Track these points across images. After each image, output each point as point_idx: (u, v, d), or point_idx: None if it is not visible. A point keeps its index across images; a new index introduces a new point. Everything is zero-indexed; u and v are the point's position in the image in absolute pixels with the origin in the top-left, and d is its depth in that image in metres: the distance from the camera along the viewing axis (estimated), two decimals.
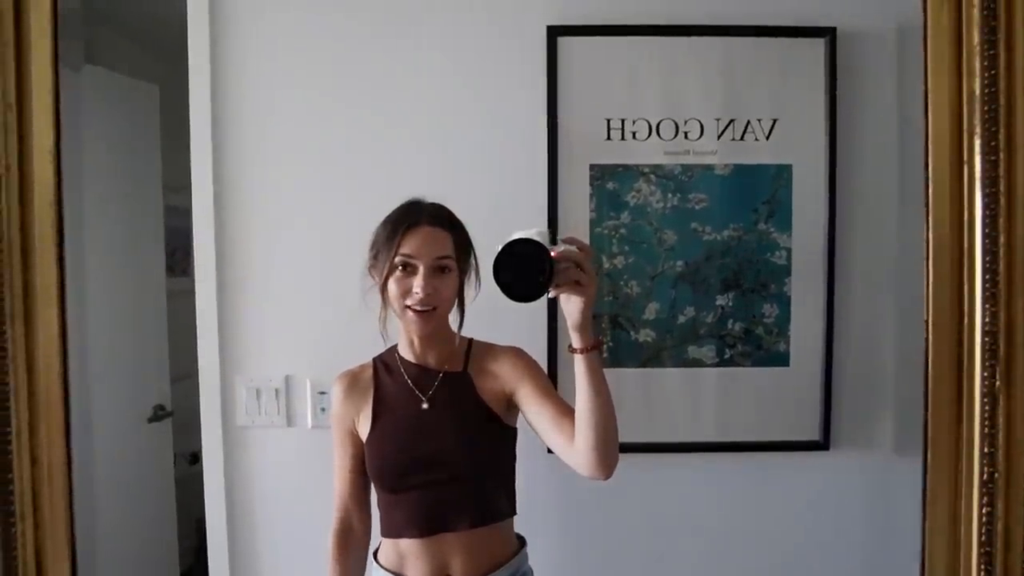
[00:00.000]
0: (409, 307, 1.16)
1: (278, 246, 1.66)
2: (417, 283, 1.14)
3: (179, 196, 1.74)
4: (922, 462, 0.89)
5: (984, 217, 0.77)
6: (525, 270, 0.92)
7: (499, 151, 1.64)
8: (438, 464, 1.18)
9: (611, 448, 1.06)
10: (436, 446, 1.19)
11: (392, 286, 1.16)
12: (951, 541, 0.87)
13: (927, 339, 0.87)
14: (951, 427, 0.86)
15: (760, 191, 1.64)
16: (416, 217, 1.18)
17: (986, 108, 0.75)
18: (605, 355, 1.61)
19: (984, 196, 0.77)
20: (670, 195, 1.63)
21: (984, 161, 0.76)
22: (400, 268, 1.16)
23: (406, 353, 1.26)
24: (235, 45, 1.63)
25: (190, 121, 1.63)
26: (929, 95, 0.81)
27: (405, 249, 1.15)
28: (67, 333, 0.82)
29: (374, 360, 1.31)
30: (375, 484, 1.25)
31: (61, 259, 0.82)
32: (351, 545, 1.31)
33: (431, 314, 1.17)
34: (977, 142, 0.77)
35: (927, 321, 0.87)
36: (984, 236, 0.79)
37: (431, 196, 1.26)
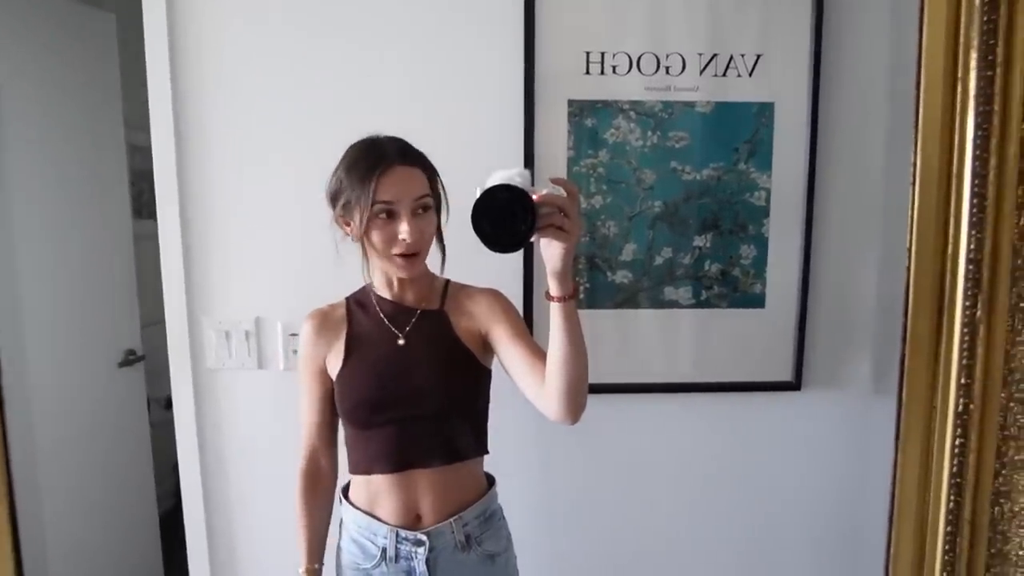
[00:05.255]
0: (396, 254, 1.13)
1: (245, 183, 1.59)
2: (403, 229, 1.10)
3: (143, 134, 1.66)
4: (897, 396, 0.87)
5: (975, 138, 0.72)
6: (505, 219, 0.86)
7: (473, 84, 1.57)
8: (412, 400, 1.17)
9: (580, 396, 1.05)
10: (411, 382, 1.17)
11: (376, 235, 1.11)
12: (923, 473, 0.87)
13: (908, 267, 0.84)
14: (929, 361, 0.85)
15: (742, 130, 1.60)
16: (387, 159, 1.11)
17: (985, 19, 0.70)
18: (581, 296, 1.59)
19: (977, 115, 0.72)
20: (650, 133, 1.59)
21: (979, 77, 0.71)
22: (380, 215, 1.10)
23: (382, 291, 1.23)
24: None
25: (145, 52, 1.54)
26: (926, 3, 0.76)
27: (384, 196, 1.09)
28: None
29: (346, 299, 1.28)
30: (345, 420, 1.23)
31: None
32: (319, 486, 1.30)
33: (417, 257, 1.15)
34: (973, 56, 0.72)
35: (909, 249, 0.83)
36: (974, 158, 0.74)
37: (402, 132, 1.18)
